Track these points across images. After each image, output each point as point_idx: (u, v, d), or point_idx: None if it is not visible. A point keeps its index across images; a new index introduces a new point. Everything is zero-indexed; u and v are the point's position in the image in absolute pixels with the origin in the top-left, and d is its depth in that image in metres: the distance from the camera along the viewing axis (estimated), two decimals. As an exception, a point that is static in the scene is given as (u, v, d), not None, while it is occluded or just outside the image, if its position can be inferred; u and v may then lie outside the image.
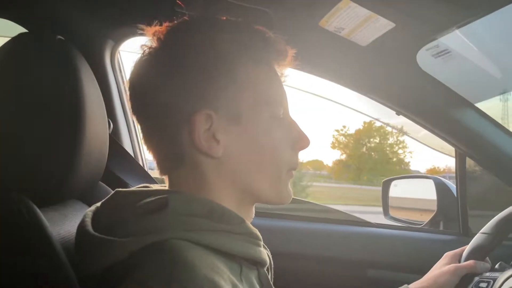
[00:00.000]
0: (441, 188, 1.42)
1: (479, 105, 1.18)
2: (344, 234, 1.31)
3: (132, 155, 1.13)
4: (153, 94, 0.60)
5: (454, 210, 1.33)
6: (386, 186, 1.59)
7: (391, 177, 1.61)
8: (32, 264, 0.53)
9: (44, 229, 0.54)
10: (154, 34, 0.61)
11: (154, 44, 0.61)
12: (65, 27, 1.02)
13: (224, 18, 0.63)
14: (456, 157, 1.30)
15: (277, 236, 1.26)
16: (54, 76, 0.63)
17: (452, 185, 1.40)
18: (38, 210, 0.55)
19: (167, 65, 0.59)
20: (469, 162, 1.29)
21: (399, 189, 1.59)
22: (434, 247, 1.25)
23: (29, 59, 0.64)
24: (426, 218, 1.44)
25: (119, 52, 1.16)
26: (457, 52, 1.07)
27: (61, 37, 0.68)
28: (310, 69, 1.09)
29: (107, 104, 1.09)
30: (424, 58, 1.06)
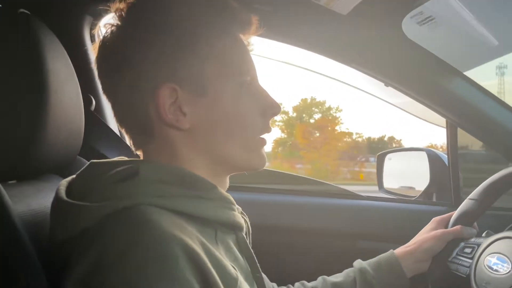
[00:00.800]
0: (433, 159, 1.41)
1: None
2: (335, 207, 1.31)
3: (118, 131, 1.13)
4: (117, 71, 0.61)
5: (447, 181, 1.32)
6: (380, 159, 1.58)
7: (386, 150, 1.60)
8: None
9: (2, 202, 0.54)
10: (116, 11, 0.61)
11: (117, 22, 0.61)
12: (37, 2, 1.01)
13: None
14: (447, 128, 1.29)
15: (268, 210, 1.27)
16: (15, 49, 0.63)
17: (445, 156, 1.39)
18: None
19: (128, 42, 0.60)
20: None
21: (393, 162, 1.58)
22: (426, 218, 1.24)
23: None
24: (419, 190, 1.44)
25: (99, 28, 1.14)
26: (443, 17, 1.04)
27: (25, 10, 0.67)
28: (291, 41, 1.08)
29: (89, 81, 1.10)
30: (410, 26, 1.04)
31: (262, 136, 0.66)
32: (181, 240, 0.48)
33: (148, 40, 0.59)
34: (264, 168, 0.68)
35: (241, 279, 0.56)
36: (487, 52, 1.20)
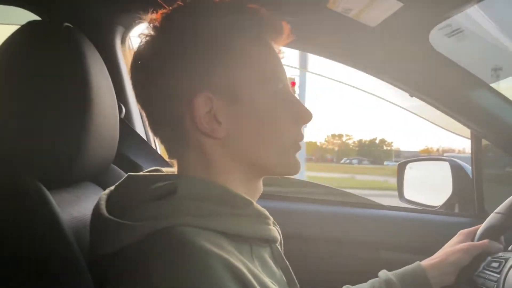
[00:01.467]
0: (456, 170, 1.40)
1: (496, 85, 1.16)
2: (358, 217, 1.31)
3: (145, 138, 1.15)
4: (152, 80, 0.61)
5: (470, 192, 1.31)
6: (401, 168, 1.57)
7: (406, 160, 1.59)
8: (41, 247, 0.55)
9: (53, 211, 0.56)
10: (150, 22, 0.62)
11: (151, 32, 0.62)
12: (75, 14, 1.04)
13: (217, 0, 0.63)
14: (471, 139, 1.28)
15: (289, 219, 1.27)
16: (61, 62, 0.65)
17: (468, 167, 1.38)
18: (47, 192, 0.57)
19: (163, 51, 0.61)
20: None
21: (414, 172, 1.57)
22: (448, 229, 1.23)
23: (36, 47, 0.66)
24: (441, 200, 1.43)
25: (129, 38, 1.17)
26: (471, 30, 1.04)
27: (68, 24, 0.69)
28: (320, 52, 1.09)
29: (119, 90, 1.12)
30: (438, 37, 1.04)
31: (296, 143, 0.66)
32: (224, 258, 0.49)
33: (182, 50, 0.60)
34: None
35: None
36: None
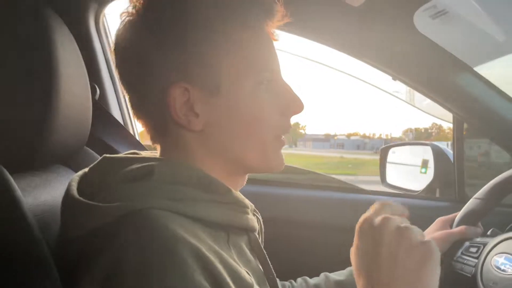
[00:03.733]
0: (438, 154, 1.40)
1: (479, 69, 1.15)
2: (339, 201, 1.31)
3: (121, 121, 1.12)
4: (131, 66, 0.59)
5: (451, 177, 1.31)
6: (384, 153, 1.57)
7: (389, 144, 1.59)
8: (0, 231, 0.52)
9: (13, 194, 0.53)
10: (131, 1, 0.58)
11: (131, 11, 0.58)
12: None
13: None
14: (453, 123, 1.28)
15: (271, 203, 1.26)
16: (26, 38, 0.62)
17: (450, 151, 1.38)
18: (7, 174, 0.54)
19: (141, 35, 0.57)
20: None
21: (397, 156, 1.57)
22: (429, 213, 1.23)
23: (3, 22, 0.62)
24: (423, 185, 1.44)
25: (104, 16, 1.12)
26: (456, 12, 1.02)
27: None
28: (301, 32, 1.06)
29: (93, 70, 1.09)
30: (422, 19, 1.02)
31: (279, 136, 0.63)
32: (195, 248, 0.47)
33: (160, 35, 0.56)
34: None
35: (255, 284, 0.54)
36: (497, 48, 1.18)
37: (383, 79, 1.20)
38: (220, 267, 0.48)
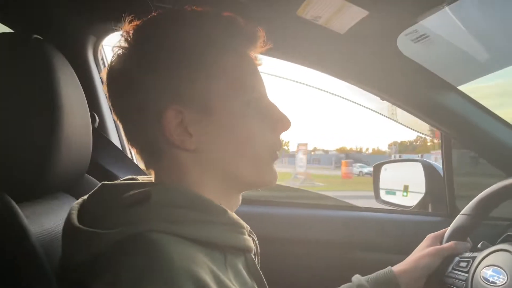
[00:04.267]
0: (429, 170, 1.44)
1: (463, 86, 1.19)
2: (333, 219, 1.33)
3: (120, 147, 1.15)
4: (124, 94, 0.61)
5: (442, 192, 1.35)
6: (376, 170, 1.61)
7: (382, 161, 1.63)
8: (8, 261, 0.54)
9: (21, 223, 0.55)
10: (122, 35, 0.62)
11: (123, 45, 0.62)
12: (46, 25, 1.03)
13: (190, 9, 0.63)
14: (441, 140, 1.32)
15: (265, 222, 1.29)
16: (29, 74, 0.65)
17: (440, 167, 1.42)
18: (15, 205, 0.57)
19: (133, 65, 0.60)
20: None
21: (389, 173, 1.60)
22: (422, 228, 1.26)
23: (3, 58, 0.66)
24: (415, 201, 1.47)
25: (102, 47, 1.17)
26: (437, 34, 1.07)
27: (38, 36, 0.69)
28: (290, 58, 1.10)
29: (92, 99, 1.12)
30: (405, 43, 1.07)
31: (272, 153, 0.65)
32: (193, 273, 0.48)
33: (152, 62, 0.59)
34: None
35: None
36: (481, 66, 1.23)
37: (366, 97, 1.25)
38: None
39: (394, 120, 1.39)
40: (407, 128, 1.40)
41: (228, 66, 0.61)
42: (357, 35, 1.00)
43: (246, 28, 0.63)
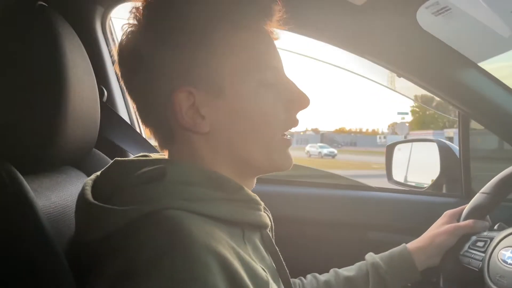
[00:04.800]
0: (444, 150, 1.41)
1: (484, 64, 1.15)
2: (345, 199, 1.32)
3: (129, 122, 1.13)
4: (134, 74, 0.60)
5: (457, 173, 1.32)
6: (389, 150, 1.58)
7: (395, 141, 1.60)
8: (12, 232, 0.53)
9: (26, 194, 0.54)
10: (131, 12, 0.60)
11: (133, 22, 0.60)
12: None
13: None
14: (458, 119, 1.28)
15: (279, 201, 1.27)
16: (35, 41, 0.63)
17: (455, 147, 1.39)
18: (20, 176, 0.55)
19: (143, 44, 0.58)
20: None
21: (402, 153, 1.58)
22: (436, 209, 1.24)
23: (9, 25, 0.63)
24: (429, 181, 1.44)
25: (110, 19, 1.14)
26: (459, 8, 1.03)
27: (43, 3, 0.67)
28: (304, 31, 1.06)
29: (100, 72, 1.10)
30: (425, 16, 1.03)
31: (286, 136, 0.64)
32: (213, 248, 0.47)
33: (162, 41, 0.57)
34: None
35: (271, 281, 0.55)
36: (502, 43, 1.19)
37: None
38: (237, 264, 0.48)
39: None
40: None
41: (241, 44, 0.59)
42: (375, 6, 0.96)
43: (258, 2, 0.60)
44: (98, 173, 0.62)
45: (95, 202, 0.54)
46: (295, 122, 0.64)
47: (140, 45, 0.59)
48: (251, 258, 0.54)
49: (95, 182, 0.60)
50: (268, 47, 0.62)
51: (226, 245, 0.50)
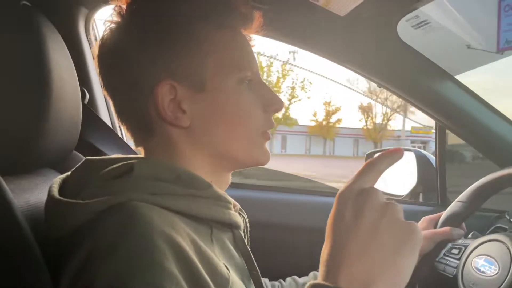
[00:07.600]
0: (421, 160, 1.44)
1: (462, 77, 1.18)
2: (326, 205, 1.32)
3: (110, 124, 1.12)
4: (116, 69, 0.60)
5: (434, 182, 1.35)
6: (369, 158, 1.60)
7: (374, 150, 1.63)
8: None
9: (5, 196, 0.53)
10: (114, 9, 0.61)
11: (115, 19, 0.61)
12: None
13: None
14: (436, 130, 1.31)
15: (259, 208, 1.28)
16: (17, 41, 0.62)
17: (432, 157, 1.42)
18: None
19: (126, 40, 0.59)
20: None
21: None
22: (413, 217, 1.25)
23: None
24: (406, 190, 1.47)
25: (94, 21, 1.13)
26: (438, 22, 1.06)
27: (27, 2, 0.66)
28: (288, 40, 1.08)
29: (82, 75, 1.09)
30: (405, 29, 1.06)
31: (264, 132, 0.65)
32: (170, 236, 0.47)
33: (146, 37, 0.58)
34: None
35: (233, 279, 0.55)
36: (479, 56, 1.22)
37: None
38: (194, 257, 0.49)
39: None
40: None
41: (222, 43, 0.61)
42: (357, 18, 0.98)
43: (241, 8, 0.62)
44: (68, 172, 0.62)
45: (60, 198, 0.54)
46: (271, 123, 0.66)
47: (123, 40, 0.59)
48: (215, 255, 0.54)
49: (64, 180, 0.60)
50: (246, 50, 0.65)
51: (186, 237, 0.50)
